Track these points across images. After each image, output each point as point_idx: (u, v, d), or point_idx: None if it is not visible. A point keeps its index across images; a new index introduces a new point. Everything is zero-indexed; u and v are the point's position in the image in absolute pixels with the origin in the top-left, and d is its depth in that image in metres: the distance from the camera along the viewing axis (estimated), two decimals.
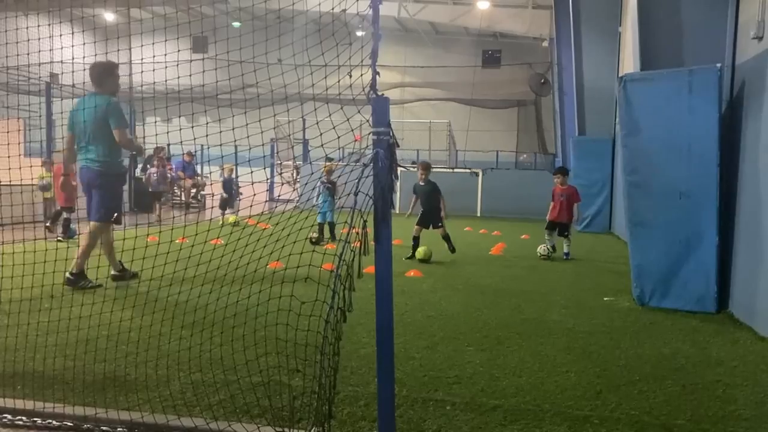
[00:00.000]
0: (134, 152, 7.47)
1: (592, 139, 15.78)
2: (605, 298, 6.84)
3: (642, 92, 6.54)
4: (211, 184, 16.75)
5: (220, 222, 12.90)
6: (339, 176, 10.80)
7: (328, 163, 11.27)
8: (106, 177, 6.62)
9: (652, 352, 4.78)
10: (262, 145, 3.52)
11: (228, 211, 13.82)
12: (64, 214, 10.82)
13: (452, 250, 9.58)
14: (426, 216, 9.60)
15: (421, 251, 9.19)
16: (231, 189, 13.95)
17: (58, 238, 9.70)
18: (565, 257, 10.05)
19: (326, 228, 11.18)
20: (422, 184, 9.65)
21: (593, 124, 16.48)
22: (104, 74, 6.71)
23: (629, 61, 10.99)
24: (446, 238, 9.62)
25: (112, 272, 6.69)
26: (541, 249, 10.10)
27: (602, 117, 15.81)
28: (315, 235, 10.51)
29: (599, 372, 4.24)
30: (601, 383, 4.00)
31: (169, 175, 17.32)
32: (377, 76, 2.79)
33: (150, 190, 14.79)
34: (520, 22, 29.40)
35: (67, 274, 6.21)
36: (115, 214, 6.70)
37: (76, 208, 10.63)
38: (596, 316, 5.98)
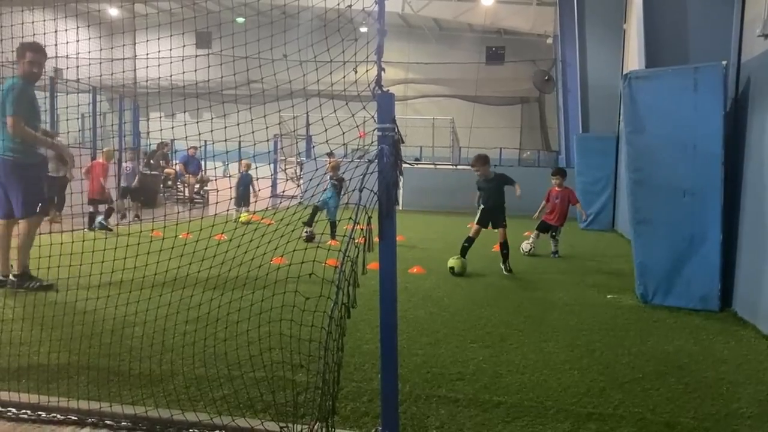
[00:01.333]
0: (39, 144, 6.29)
1: (596, 137, 15.75)
2: (608, 296, 6.83)
3: (647, 89, 6.52)
4: (216, 180, 16.68)
5: (235, 218, 12.51)
6: (343, 172, 10.74)
7: (333, 159, 10.98)
8: (20, 168, 6.00)
9: (655, 350, 4.78)
10: (267, 140, 3.52)
11: (242, 208, 13.41)
12: (91, 208, 11.27)
13: (507, 269, 8.14)
14: (488, 213, 8.36)
15: (457, 262, 7.88)
16: (248, 185, 13.60)
17: (87, 229, 10.28)
18: (553, 256, 9.97)
19: (328, 225, 10.83)
20: (484, 180, 8.46)
21: (597, 122, 16.45)
22: (18, 55, 6.01)
23: (634, 59, 10.96)
24: (504, 246, 8.17)
25: (12, 273, 6.11)
26: (527, 247, 10.06)
27: (606, 114, 15.78)
28: (307, 232, 9.97)
29: (602, 369, 4.24)
30: (605, 381, 4.00)
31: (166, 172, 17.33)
32: (383, 72, 2.78)
33: (122, 185, 14.09)
34: (524, 18, 29.35)
35: (11, 277, 5.99)
36: (39, 205, 6.14)
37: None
38: (599, 314, 5.98)
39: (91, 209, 11.20)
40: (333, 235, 10.40)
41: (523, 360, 4.39)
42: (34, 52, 5.94)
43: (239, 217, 12.48)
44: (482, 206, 8.41)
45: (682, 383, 4.00)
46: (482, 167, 8.32)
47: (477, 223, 8.34)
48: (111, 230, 10.73)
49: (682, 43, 7.28)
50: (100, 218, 11.20)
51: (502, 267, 8.08)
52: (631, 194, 6.70)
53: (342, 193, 10.80)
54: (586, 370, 4.22)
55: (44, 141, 6.37)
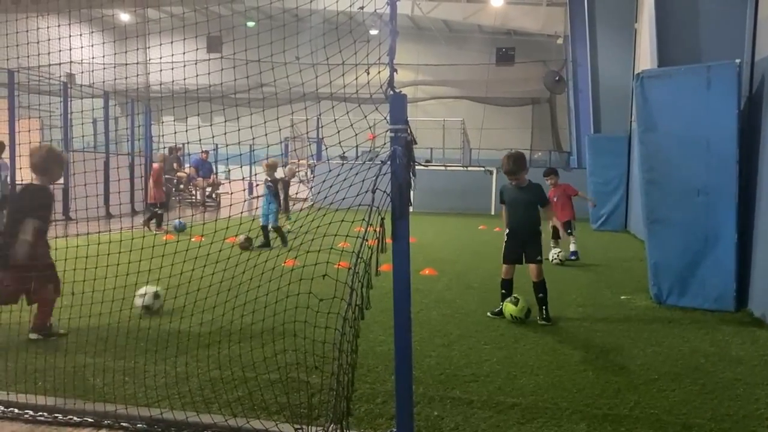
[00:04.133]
0: None
1: (608, 137, 15.66)
2: (622, 297, 6.79)
3: (659, 89, 6.48)
4: (230, 182, 16.65)
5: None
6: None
7: (270, 159, 10.00)
8: None
9: (670, 350, 4.74)
10: (280, 142, 3.53)
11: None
12: (158, 210, 12.02)
13: (545, 317, 5.57)
14: (517, 241, 5.76)
15: (513, 308, 5.56)
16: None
17: (155, 233, 10.69)
18: (572, 257, 9.39)
19: (270, 232, 9.94)
20: (516, 189, 5.84)
21: (609, 122, 16.37)
22: None
23: (646, 58, 10.90)
24: (541, 288, 5.66)
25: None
26: (552, 256, 9.20)
27: (618, 114, 15.70)
28: (243, 238, 9.08)
29: (617, 371, 4.21)
30: (620, 382, 3.97)
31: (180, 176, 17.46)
32: (395, 73, 2.79)
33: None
34: (534, 19, 29.26)
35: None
36: None
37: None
38: (613, 315, 5.94)
39: (160, 211, 12.04)
40: (284, 243, 9.64)
41: (537, 361, 4.38)
42: None
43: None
44: (507, 230, 5.92)
45: (698, 384, 3.97)
46: (522, 173, 5.79)
47: (505, 261, 5.82)
48: (163, 230, 11.45)
49: (695, 41, 7.24)
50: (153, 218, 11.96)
51: (538, 316, 5.60)
52: (645, 194, 6.66)
53: (290, 193, 10.23)
54: (601, 371, 4.20)
55: None
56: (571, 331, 5.24)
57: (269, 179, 10.18)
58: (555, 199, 9.62)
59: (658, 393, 3.80)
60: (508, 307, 5.59)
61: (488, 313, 5.76)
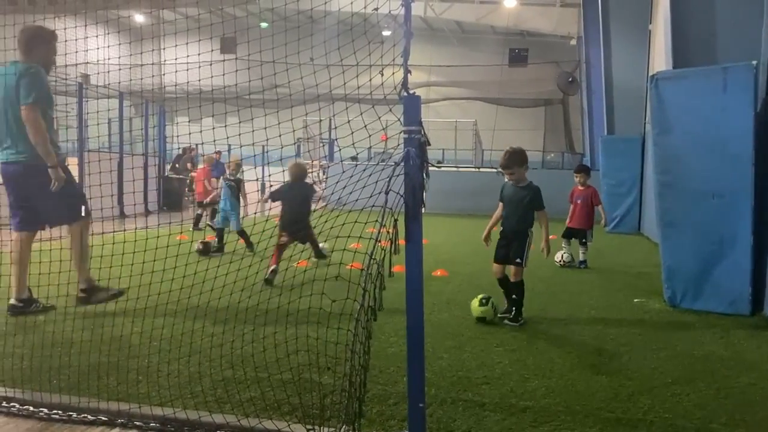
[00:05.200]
0: (37, 148, 5.08)
1: (621, 138, 15.56)
2: (635, 300, 6.74)
3: (674, 90, 6.42)
4: (243, 182, 16.71)
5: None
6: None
7: (233, 157, 9.43)
8: (40, 172, 5.07)
9: (684, 354, 4.70)
10: (294, 143, 3.55)
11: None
12: (199, 210, 12.30)
13: (513, 319, 5.45)
14: (506, 240, 5.69)
15: (478, 308, 5.48)
16: None
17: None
18: (580, 266, 9.01)
19: (227, 235, 9.29)
20: (514, 187, 5.73)
21: (622, 123, 16.26)
22: (35, 40, 5.25)
23: (660, 59, 10.82)
24: (516, 289, 5.56)
25: (80, 294, 5.33)
26: (559, 257, 9.14)
27: (631, 116, 15.59)
28: (200, 244, 8.89)
29: (630, 374, 4.18)
30: (633, 385, 3.94)
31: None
32: (409, 74, 2.79)
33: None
34: (548, 20, 29.17)
35: (79, 294, 5.23)
36: (83, 207, 5.35)
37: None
38: (626, 318, 5.90)
39: (199, 211, 12.25)
40: (250, 247, 8.41)
41: (549, 364, 4.35)
42: (55, 40, 5.38)
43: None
44: (501, 228, 5.82)
45: (713, 389, 3.93)
46: (519, 169, 5.64)
47: (495, 260, 5.72)
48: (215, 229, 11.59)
49: (711, 42, 7.18)
50: (207, 219, 12.13)
51: (507, 316, 5.50)
52: (659, 196, 6.61)
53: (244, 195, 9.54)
54: (614, 374, 4.17)
55: (45, 145, 5.07)
56: (584, 334, 5.20)
57: (231, 178, 9.51)
58: (579, 202, 9.20)
59: (672, 397, 3.77)
60: (476, 308, 5.47)
61: (497, 316, 5.60)
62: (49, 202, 5.13)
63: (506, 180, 5.79)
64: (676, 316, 6.02)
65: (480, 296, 5.51)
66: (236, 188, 9.37)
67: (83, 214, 5.28)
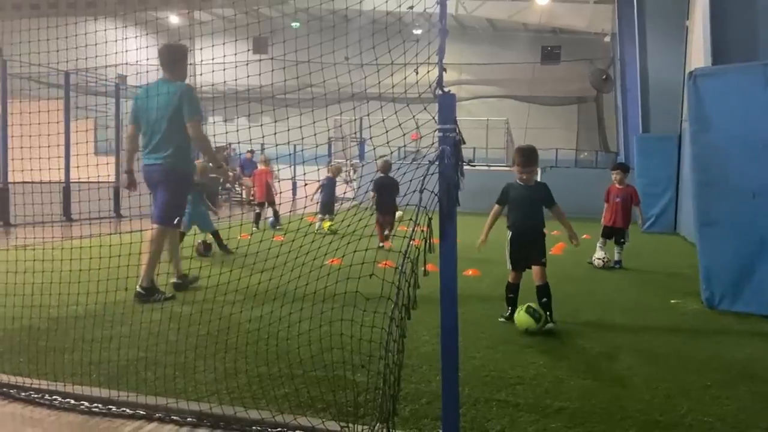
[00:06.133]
0: (206, 156, 6.46)
1: (657, 137, 15.29)
2: (672, 301, 6.62)
3: (714, 87, 6.29)
4: (279, 182, 16.82)
5: (318, 227, 11.59)
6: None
7: (199, 162, 8.64)
8: (174, 175, 5.89)
9: (723, 357, 4.60)
10: (328, 142, 3.56)
11: (326, 216, 12.31)
12: (256, 209, 12.88)
13: (543, 320, 5.09)
14: (520, 244, 5.45)
15: (525, 318, 5.10)
16: (333, 192, 12.80)
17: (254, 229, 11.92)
18: (615, 266, 8.86)
19: (206, 236, 9.11)
20: (524, 188, 5.50)
21: (658, 121, 15.96)
22: (179, 58, 6.14)
23: (698, 56, 10.59)
24: (544, 292, 5.29)
25: (173, 280, 6.05)
26: (596, 260, 8.95)
27: (667, 114, 15.30)
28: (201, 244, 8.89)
29: (668, 376, 4.10)
30: (670, 388, 3.87)
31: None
32: (444, 73, 2.78)
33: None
34: (581, 17, 28.78)
35: (138, 289, 5.62)
36: (177, 219, 5.98)
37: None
38: (663, 319, 5.80)
39: (257, 210, 12.80)
40: (222, 247, 8.91)
41: (583, 365, 4.30)
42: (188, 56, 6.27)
43: (324, 225, 11.63)
44: (510, 232, 5.53)
45: (754, 392, 3.84)
46: (532, 168, 5.50)
47: (516, 269, 5.50)
48: (280, 228, 12.06)
49: (751, 38, 7.00)
50: (270, 218, 12.77)
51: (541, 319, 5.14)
52: (697, 196, 6.47)
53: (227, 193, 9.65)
54: (651, 376, 4.09)
55: (211, 151, 6.39)
56: (619, 335, 5.13)
57: (201, 180, 8.97)
58: (618, 200, 8.90)
59: (711, 400, 3.69)
60: (522, 318, 5.09)
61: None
62: (172, 202, 5.90)
63: (517, 180, 5.53)
64: (715, 318, 5.90)
65: (525, 306, 5.17)
66: (202, 192, 8.96)
67: (171, 223, 5.91)
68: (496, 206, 5.65)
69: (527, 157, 5.44)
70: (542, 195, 5.49)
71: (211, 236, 9.15)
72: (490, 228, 5.61)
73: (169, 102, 5.79)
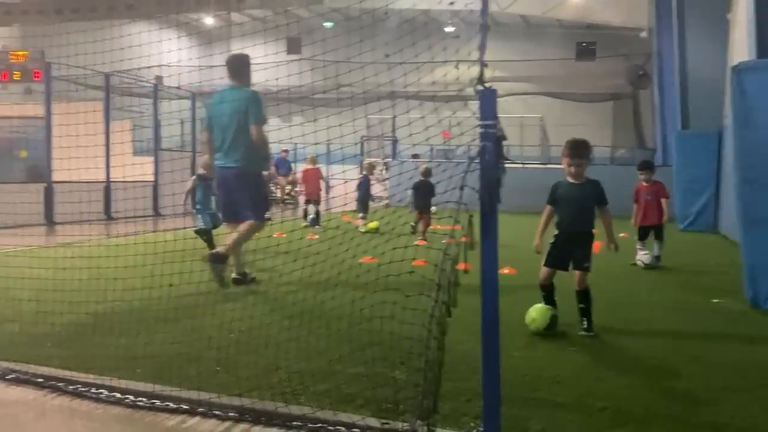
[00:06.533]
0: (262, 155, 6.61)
1: (697, 133, 14.92)
2: (714, 300, 6.47)
3: (759, 82, 6.12)
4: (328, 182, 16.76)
5: (361, 229, 11.01)
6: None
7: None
8: (250, 176, 6.33)
9: None
10: (361, 142, 3.58)
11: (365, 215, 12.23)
12: (306, 207, 13.22)
13: (587, 328, 4.95)
14: (567, 244, 5.12)
15: (543, 315, 4.97)
16: (368, 190, 12.80)
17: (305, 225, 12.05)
18: (655, 261, 8.71)
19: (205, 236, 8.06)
20: (575, 186, 5.13)
21: (697, 118, 15.60)
22: (244, 66, 6.47)
23: (741, 49, 10.31)
24: (584, 298, 5.04)
25: (233, 275, 6.23)
26: (640, 260, 8.67)
27: (707, 110, 14.93)
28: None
29: (711, 378, 4.02)
30: (715, 389, 3.78)
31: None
32: (485, 68, 2.78)
33: None
34: (616, 12, 28.32)
35: (234, 275, 6.13)
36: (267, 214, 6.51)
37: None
38: (704, 319, 5.68)
39: (304, 207, 13.27)
40: (210, 246, 7.73)
41: (624, 365, 4.24)
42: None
43: (366, 226, 11.25)
44: (557, 231, 5.20)
45: None
46: (586, 161, 5.13)
47: (547, 264, 5.21)
48: (320, 226, 12.05)
49: None
50: (311, 216, 12.83)
51: (579, 327, 4.99)
52: (740, 193, 6.31)
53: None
54: (694, 377, 4.01)
55: (269, 153, 6.74)
56: (660, 335, 5.04)
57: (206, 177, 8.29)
58: (648, 199, 8.82)
59: (757, 402, 3.59)
60: (540, 317, 4.92)
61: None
62: (246, 202, 6.26)
63: (567, 177, 5.19)
64: (759, 318, 5.74)
65: (553, 313, 5.00)
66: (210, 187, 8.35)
67: (264, 217, 6.44)
68: (547, 207, 5.29)
69: (575, 148, 5.06)
70: (592, 193, 5.09)
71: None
72: (543, 229, 5.23)
73: (239, 108, 6.18)
